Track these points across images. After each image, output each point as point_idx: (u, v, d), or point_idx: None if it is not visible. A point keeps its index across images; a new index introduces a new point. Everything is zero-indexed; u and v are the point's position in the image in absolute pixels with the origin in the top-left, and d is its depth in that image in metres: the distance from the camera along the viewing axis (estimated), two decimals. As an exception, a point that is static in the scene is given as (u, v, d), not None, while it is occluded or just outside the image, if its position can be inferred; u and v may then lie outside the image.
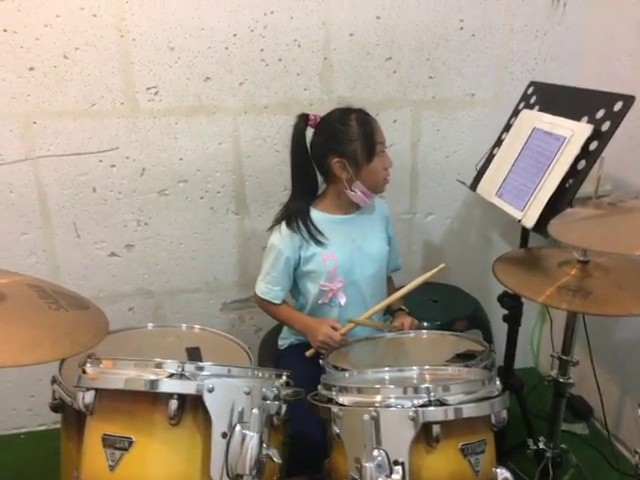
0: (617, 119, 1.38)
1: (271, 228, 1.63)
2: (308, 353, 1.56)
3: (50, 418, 2.00)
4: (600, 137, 1.40)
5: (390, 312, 1.71)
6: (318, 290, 1.59)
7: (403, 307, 1.70)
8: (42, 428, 2.12)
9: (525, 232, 1.72)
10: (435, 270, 1.50)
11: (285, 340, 1.73)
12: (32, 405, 2.09)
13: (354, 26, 1.91)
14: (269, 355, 1.77)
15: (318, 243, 1.57)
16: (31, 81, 1.76)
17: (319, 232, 1.57)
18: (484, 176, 1.76)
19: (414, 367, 1.21)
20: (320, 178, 1.63)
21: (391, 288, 1.75)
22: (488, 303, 2.03)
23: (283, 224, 1.59)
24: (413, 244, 2.23)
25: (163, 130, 1.89)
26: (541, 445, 1.59)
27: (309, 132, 1.59)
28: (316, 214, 1.60)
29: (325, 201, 1.62)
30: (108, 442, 0.97)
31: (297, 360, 1.60)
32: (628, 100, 1.37)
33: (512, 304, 1.75)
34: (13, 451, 2.03)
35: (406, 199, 2.16)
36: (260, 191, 2.02)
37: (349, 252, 1.59)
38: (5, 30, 1.69)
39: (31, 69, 1.74)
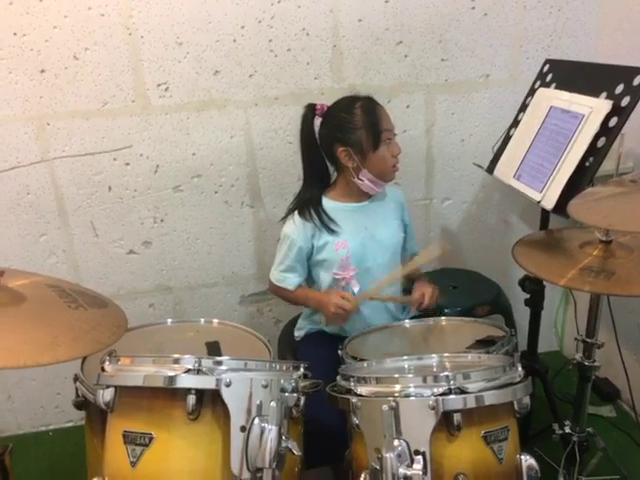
0: (637, 93, 1.34)
1: (284, 218, 1.63)
2: (327, 328, 1.62)
3: (77, 415, 2.03)
4: (620, 113, 1.36)
5: (410, 282, 1.69)
6: (331, 278, 1.59)
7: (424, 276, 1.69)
8: (69, 425, 2.16)
9: (545, 214, 1.68)
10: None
11: (301, 331, 1.73)
12: (59, 402, 2.13)
13: (362, 11, 1.88)
14: (289, 346, 1.77)
15: (330, 231, 1.56)
16: (43, 83, 1.77)
17: (331, 220, 1.57)
18: (501, 158, 1.73)
19: (433, 355, 1.19)
20: (331, 167, 1.63)
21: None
22: (509, 287, 2.00)
23: (296, 213, 1.59)
24: (431, 230, 2.20)
25: (175, 126, 1.89)
26: (567, 429, 1.56)
27: (317, 122, 1.58)
28: (328, 203, 1.60)
29: (336, 190, 1.62)
30: (129, 438, 0.98)
31: (313, 348, 1.62)
32: (648, 73, 1.33)
33: (534, 288, 1.72)
34: (41, 448, 2.07)
35: (422, 185, 2.13)
36: (274, 183, 2.02)
37: (361, 240, 1.59)
38: (15, 34, 1.70)
39: (42, 71, 1.76)
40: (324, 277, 1.61)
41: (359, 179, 1.54)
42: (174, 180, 1.95)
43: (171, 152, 1.91)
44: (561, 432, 1.57)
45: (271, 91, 1.91)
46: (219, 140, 1.93)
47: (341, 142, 1.51)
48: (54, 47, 1.74)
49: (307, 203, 1.59)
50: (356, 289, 1.59)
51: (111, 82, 1.81)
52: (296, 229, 1.57)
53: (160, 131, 1.88)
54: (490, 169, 1.77)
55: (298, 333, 1.74)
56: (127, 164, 1.90)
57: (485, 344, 1.35)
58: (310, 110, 1.57)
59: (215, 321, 1.56)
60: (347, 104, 1.53)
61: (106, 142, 1.86)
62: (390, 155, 1.53)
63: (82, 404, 1.31)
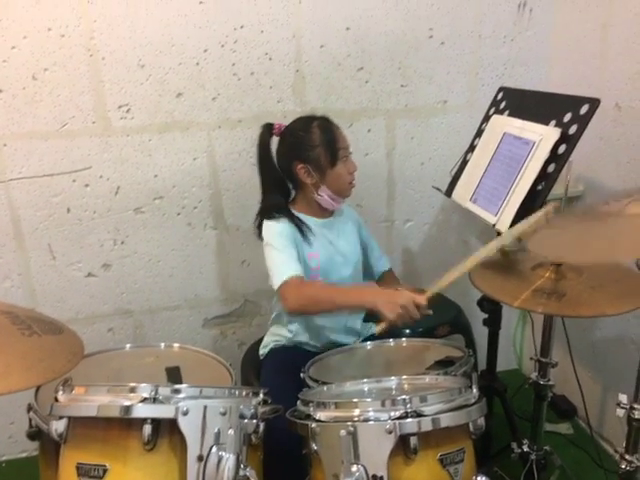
0: (584, 122, 1.40)
1: (259, 234, 1.59)
2: (378, 329, 1.37)
3: (31, 445, 1.92)
4: (568, 140, 1.42)
5: None
6: None
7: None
8: (23, 455, 2.08)
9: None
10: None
11: (265, 348, 1.72)
12: (12, 432, 2.05)
13: (324, 38, 1.92)
14: (252, 369, 1.76)
15: (304, 236, 1.57)
16: (0, 103, 1.74)
17: (302, 222, 1.58)
18: (458, 182, 1.78)
19: (392, 377, 1.21)
20: (289, 185, 1.65)
21: (390, 277, 1.82)
22: (469, 307, 2.03)
23: (270, 220, 1.56)
24: (393, 251, 2.24)
25: (137, 148, 1.88)
26: (525, 448, 1.59)
27: (274, 141, 1.61)
28: (296, 214, 1.61)
29: (298, 205, 1.64)
30: (82, 471, 0.96)
31: (278, 363, 1.61)
32: (594, 103, 1.40)
33: (491, 308, 1.76)
34: (-6, 480, 1.99)
35: (384, 207, 2.17)
36: (237, 204, 2.02)
37: (328, 254, 1.61)
38: (-29, 53, 1.68)
39: (-1, 91, 1.73)
40: None
41: (319, 195, 1.57)
42: (135, 202, 1.93)
43: (132, 174, 1.90)
44: (519, 451, 1.60)
45: (234, 114, 1.93)
46: (182, 162, 1.93)
47: (299, 159, 1.54)
48: (12, 67, 1.72)
49: (274, 209, 1.57)
50: None
51: (71, 103, 1.79)
52: (279, 226, 1.54)
53: (121, 152, 1.87)
54: (448, 192, 1.82)
55: (262, 351, 1.73)
56: (87, 185, 1.87)
57: (444, 365, 1.37)
58: (267, 129, 1.60)
59: (176, 345, 1.54)
60: (304, 123, 1.57)
61: (65, 163, 1.84)
62: (347, 172, 1.58)
63: (36, 434, 1.26)
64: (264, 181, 1.64)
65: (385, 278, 1.83)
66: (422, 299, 1.34)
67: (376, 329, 1.38)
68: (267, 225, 1.57)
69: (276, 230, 1.55)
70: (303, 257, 1.57)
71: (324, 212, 1.65)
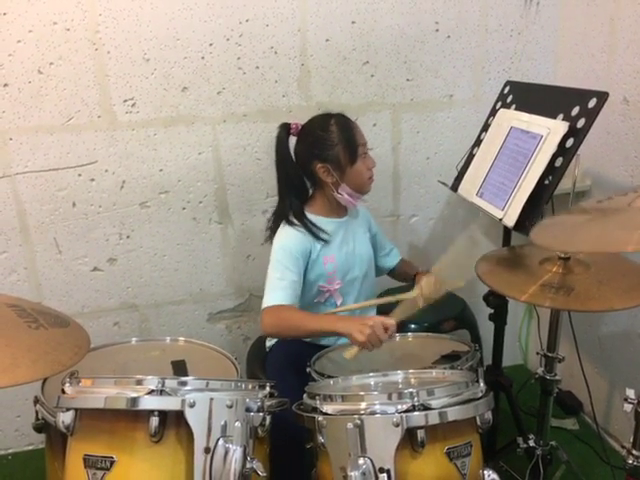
0: (592, 116, 1.39)
1: (270, 237, 1.59)
2: (348, 354, 1.35)
3: (38, 438, 1.97)
4: (576, 134, 1.41)
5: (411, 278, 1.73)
6: (316, 290, 1.60)
7: (420, 270, 1.73)
8: (30, 448, 2.09)
9: (507, 231, 1.72)
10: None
11: (271, 341, 1.72)
12: (19, 425, 2.06)
13: (330, 31, 1.91)
14: (259, 362, 1.76)
15: (321, 241, 1.56)
16: (6, 97, 1.74)
17: (320, 229, 1.57)
18: (465, 176, 1.77)
19: (399, 371, 1.21)
20: (308, 183, 1.63)
21: (407, 265, 1.84)
22: (474, 302, 2.03)
23: (285, 225, 1.56)
24: (399, 246, 2.20)
25: (142, 142, 1.88)
26: (531, 443, 1.59)
27: (292, 140, 1.59)
28: (311, 217, 1.59)
29: (315, 205, 1.62)
30: (89, 462, 0.96)
31: (283, 359, 1.60)
32: (602, 96, 1.38)
33: (497, 303, 1.75)
34: (0, 473, 1.99)
35: (389, 202, 2.16)
36: (242, 199, 2.02)
37: (345, 254, 1.61)
38: (-23, 47, 1.68)
39: (5, 85, 1.73)
40: (308, 288, 1.58)
41: (339, 193, 1.56)
42: (141, 196, 1.93)
43: (138, 168, 1.90)
44: (525, 446, 1.60)
45: (239, 108, 1.92)
46: (187, 156, 1.93)
47: (319, 159, 1.53)
48: (17, 61, 1.72)
49: (291, 214, 1.57)
50: (339, 301, 1.61)
51: (76, 97, 1.79)
52: (292, 240, 1.54)
53: (126, 147, 1.87)
54: (454, 187, 1.81)
55: (269, 343, 1.73)
56: (92, 180, 1.87)
57: (450, 359, 1.37)
58: (284, 129, 1.58)
59: (181, 339, 1.55)
60: (322, 121, 1.55)
61: (71, 157, 1.84)
62: (366, 168, 1.56)
63: (42, 427, 1.28)
64: (281, 182, 1.61)
65: (397, 269, 1.84)
66: (390, 321, 1.33)
67: (345, 354, 1.36)
68: (280, 233, 1.56)
69: (285, 244, 1.53)
70: (318, 262, 1.57)
71: (341, 211, 1.64)
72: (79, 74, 1.77)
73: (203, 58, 1.84)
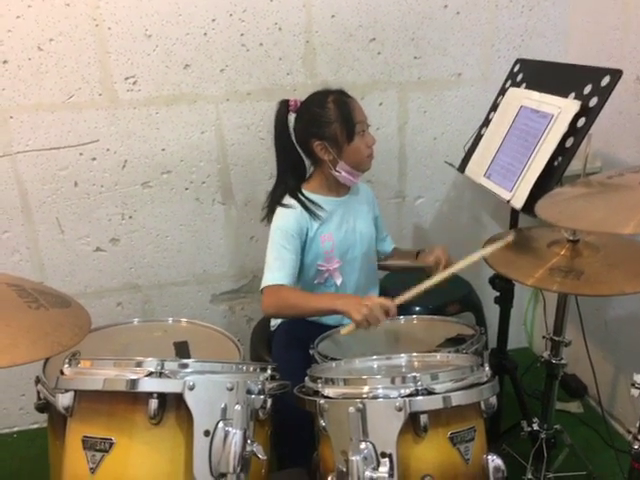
0: (605, 94, 1.35)
1: (268, 217, 1.59)
2: (344, 330, 1.35)
3: (42, 417, 1.94)
4: (588, 113, 1.37)
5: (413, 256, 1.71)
6: (315, 270, 1.58)
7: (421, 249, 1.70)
8: (34, 427, 2.10)
9: (515, 213, 1.69)
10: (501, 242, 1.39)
11: (276, 320, 1.71)
12: (23, 404, 2.08)
13: (336, 7, 1.86)
14: (262, 344, 1.75)
15: (317, 218, 1.55)
16: (5, 75, 1.71)
17: (316, 205, 1.55)
18: (472, 157, 1.73)
19: (402, 355, 1.19)
20: (307, 161, 1.62)
21: (401, 251, 1.81)
22: (480, 285, 2.00)
23: (282, 207, 1.55)
24: (403, 228, 2.20)
25: (144, 121, 1.85)
26: (535, 426, 1.58)
27: (291, 117, 1.57)
28: (310, 195, 1.58)
29: (314, 183, 1.61)
30: (88, 444, 0.95)
31: (287, 339, 1.59)
32: (615, 74, 1.34)
33: (503, 286, 1.73)
34: (5, 451, 2.01)
35: (395, 183, 2.13)
36: (246, 179, 1.99)
37: (344, 233, 1.60)
38: (-25, 23, 1.64)
39: (5, 62, 1.70)
40: (307, 268, 1.58)
41: (336, 171, 1.54)
42: (143, 176, 1.90)
43: (139, 147, 1.87)
44: (529, 429, 1.59)
45: (243, 86, 1.88)
46: (189, 136, 1.90)
47: (316, 136, 1.51)
48: (17, 37, 1.69)
49: (288, 193, 1.57)
50: (339, 281, 1.60)
51: (77, 74, 1.76)
52: (287, 220, 1.53)
53: (128, 125, 1.84)
54: (462, 168, 1.78)
55: (273, 322, 1.72)
56: (94, 159, 1.85)
57: (455, 342, 1.35)
58: (284, 106, 1.57)
59: (184, 320, 1.54)
60: (319, 99, 1.53)
61: (72, 136, 1.81)
62: (365, 146, 1.54)
63: (44, 407, 1.28)
64: (280, 160, 1.61)
65: (389, 259, 1.81)
66: (391, 303, 1.31)
67: (342, 330, 1.35)
68: (277, 214, 1.56)
69: (282, 224, 1.53)
70: (316, 240, 1.56)
71: (340, 189, 1.62)
72: (79, 51, 1.74)
73: (206, 34, 1.80)
